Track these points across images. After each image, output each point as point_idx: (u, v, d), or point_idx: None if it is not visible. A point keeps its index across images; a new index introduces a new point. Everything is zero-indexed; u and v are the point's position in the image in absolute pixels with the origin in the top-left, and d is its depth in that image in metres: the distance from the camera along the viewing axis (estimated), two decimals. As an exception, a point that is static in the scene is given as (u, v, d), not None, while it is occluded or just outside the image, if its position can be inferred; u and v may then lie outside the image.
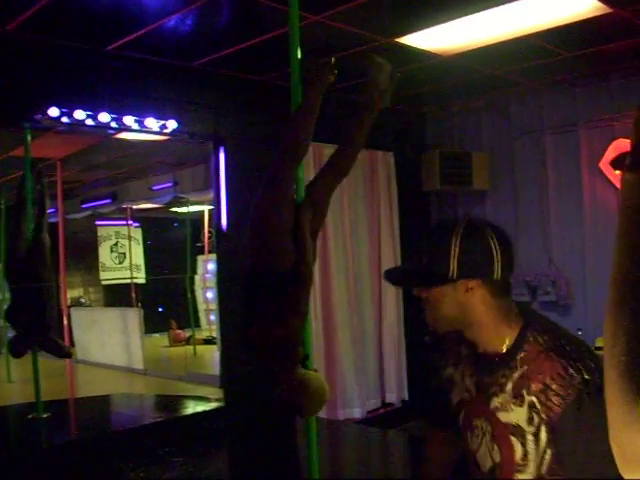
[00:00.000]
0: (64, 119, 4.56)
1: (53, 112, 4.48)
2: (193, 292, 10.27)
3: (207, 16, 4.28)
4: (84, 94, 4.64)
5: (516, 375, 1.57)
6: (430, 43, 4.86)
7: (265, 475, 4.32)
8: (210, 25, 4.48)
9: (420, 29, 4.59)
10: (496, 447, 1.58)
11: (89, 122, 4.66)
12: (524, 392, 1.55)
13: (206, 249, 10.48)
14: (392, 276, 1.85)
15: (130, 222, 10.34)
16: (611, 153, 5.76)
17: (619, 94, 5.76)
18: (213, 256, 10.02)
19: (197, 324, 10.39)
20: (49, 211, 8.39)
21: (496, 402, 1.59)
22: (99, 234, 9.94)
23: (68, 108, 4.54)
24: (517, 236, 6.20)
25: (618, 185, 5.72)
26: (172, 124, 5.01)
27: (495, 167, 6.55)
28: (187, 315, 9.77)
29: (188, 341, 9.69)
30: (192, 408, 6.35)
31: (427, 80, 5.89)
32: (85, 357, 8.58)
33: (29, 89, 4.48)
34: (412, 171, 6.69)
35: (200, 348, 9.46)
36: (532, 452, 1.53)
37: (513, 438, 1.55)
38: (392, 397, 6.54)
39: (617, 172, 5.74)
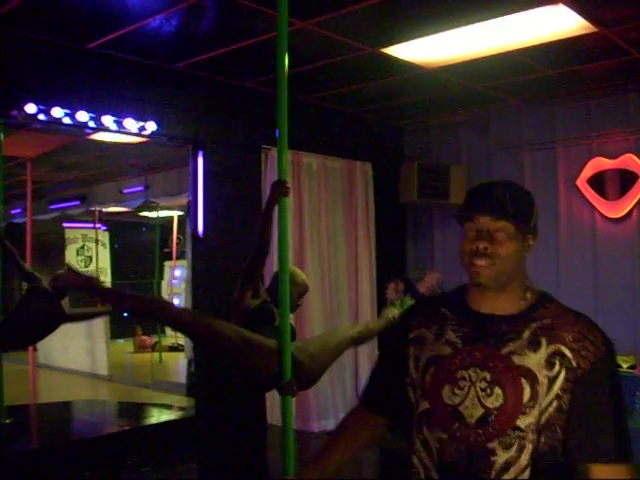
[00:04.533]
0: (41, 116, 4.43)
1: (30, 109, 4.35)
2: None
3: (192, 18, 4.21)
4: (63, 92, 4.52)
5: (534, 325, 1.65)
6: (414, 55, 4.85)
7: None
8: (194, 27, 4.41)
9: (405, 40, 4.57)
10: (498, 391, 1.61)
11: (66, 120, 4.53)
12: (543, 340, 1.63)
13: (174, 255, 10.36)
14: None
15: (98, 225, 10.17)
16: (588, 171, 5.79)
17: (597, 113, 5.81)
18: (181, 262, 9.95)
19: (162, 331, 10.25)
20: (16, 211, 8.24)
21: (511, 347, 1.64)
22: (66, 236, 9.75)
23: (45, 105, 4.41)
24: (492, 251, 6.20)
25: (594, 203, 5.77)
26: (151, 126, 4.91)
27: (472, 181, 6.51)
28: (153, 321, 9.63)
29: (154, 348, 9.55)
30: (158, 417, 6.24)
31: (408, 92, 5.88)
32: (48, 361, 8.40)
33: (6, 84, 4.32)
34: (390, 182, 6.67)
35: (165, 355, 9.34)
36: (541, 396, 1.59)
37: (523, 380, 1.61)
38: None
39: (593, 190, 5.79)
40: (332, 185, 6.34)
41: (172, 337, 10.40)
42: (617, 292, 5.70)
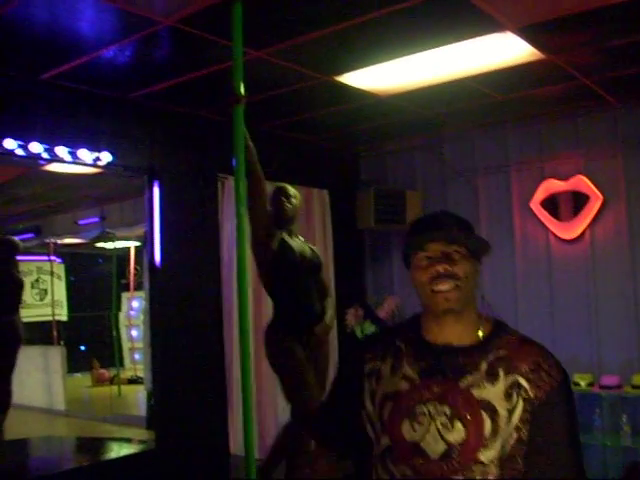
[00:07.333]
0: (-8, 149, 4.38)
1: (-20, 141, 4.29)
2: (118, 330, 9.99)
3: (146, 48, 4.20)
4: (15, 123, 4.45)
5: (491, 357, 1.65)
6: (368, 83, 4.91)
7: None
8: (148, 57, 4.39)
9: (358, 68, 4.62)
10: (459, 425, 1.59)
11: (19, 152, 4.46)
12: (500, 371, 1.62)
13: (131, 286, 10.23)
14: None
15: (53, 257, 10.01)
16: (541, 193, 5.90)
17: (548, 137, 5.95)
18: (138, 293, 9.83)
19: (121, 363, 10.08)
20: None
21: (469, 380, 1.63)
22: (20, 269, 9.58)
23: (-3, 137, 4.36)
24: (450, 274, 6.24)
25: (548, 225, 5.87)
26: (106, 156, 4.87)
27: (428, 206, 6.63)
28: (110, 354, 9.48)
29: (112, 381, 9.38)
30: (118, 451, 6.12)
31: (363, 119, 5.94)
32: (2, 398, 8.18)
33: (-44, 116, 4.28)
34: (347, 209, 6.71)
35: (125, 388, 9.17)
36: (502, 428, 1.58)
37: (484, 413, 1.60)
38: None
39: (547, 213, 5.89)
40: (289, 212, 6.34)
41: (131, 370, 10.23)
42: (573, 311, 5.80)
